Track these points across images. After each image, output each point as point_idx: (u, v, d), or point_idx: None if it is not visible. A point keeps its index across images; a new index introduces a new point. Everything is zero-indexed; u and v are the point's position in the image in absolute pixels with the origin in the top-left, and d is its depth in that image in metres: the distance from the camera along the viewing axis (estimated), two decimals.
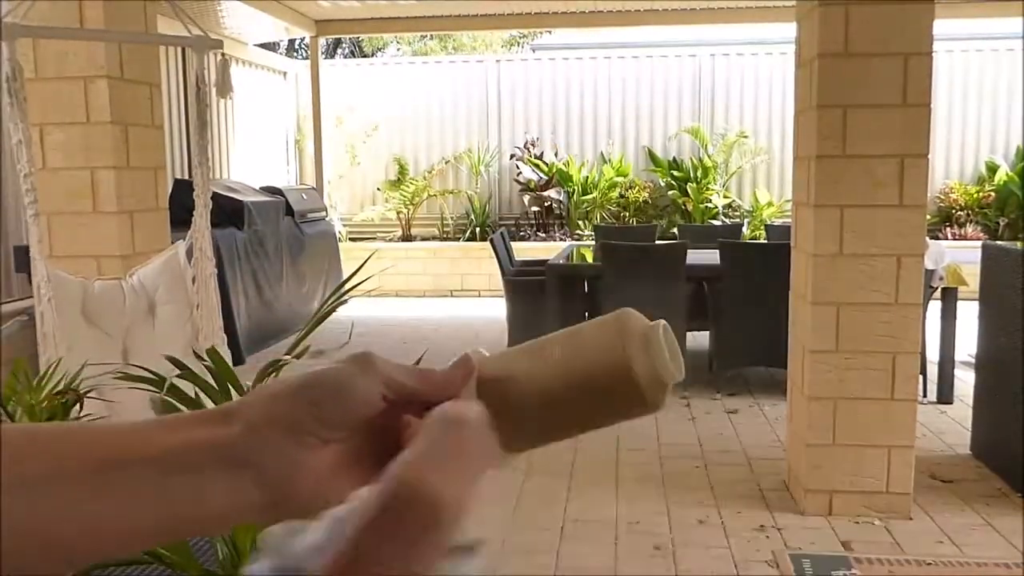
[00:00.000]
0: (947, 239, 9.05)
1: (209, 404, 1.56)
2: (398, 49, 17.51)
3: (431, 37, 16.71)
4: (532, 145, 10.33)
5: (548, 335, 0.51)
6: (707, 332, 5.52)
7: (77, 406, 1.97)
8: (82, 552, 0.46)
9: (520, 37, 16.46)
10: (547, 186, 10.03)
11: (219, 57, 2.88)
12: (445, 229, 10.49)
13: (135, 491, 0.45)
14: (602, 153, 10.37)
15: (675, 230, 8.85)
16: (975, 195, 9.58)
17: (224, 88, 2.86)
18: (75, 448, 0.46)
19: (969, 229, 9.42)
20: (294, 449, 0.47)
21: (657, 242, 6.83)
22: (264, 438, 0.46)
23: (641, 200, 10.02)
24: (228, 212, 6.51)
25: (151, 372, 1.60)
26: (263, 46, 9.95)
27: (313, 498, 0.47)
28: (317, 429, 0.47)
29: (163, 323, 2.92)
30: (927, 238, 3.56)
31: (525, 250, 8.49)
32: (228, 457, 0.46)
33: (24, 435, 0.47)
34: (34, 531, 0.44)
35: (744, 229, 9.02)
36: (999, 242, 6.51)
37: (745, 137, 10.03)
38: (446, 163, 10.59)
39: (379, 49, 17.38)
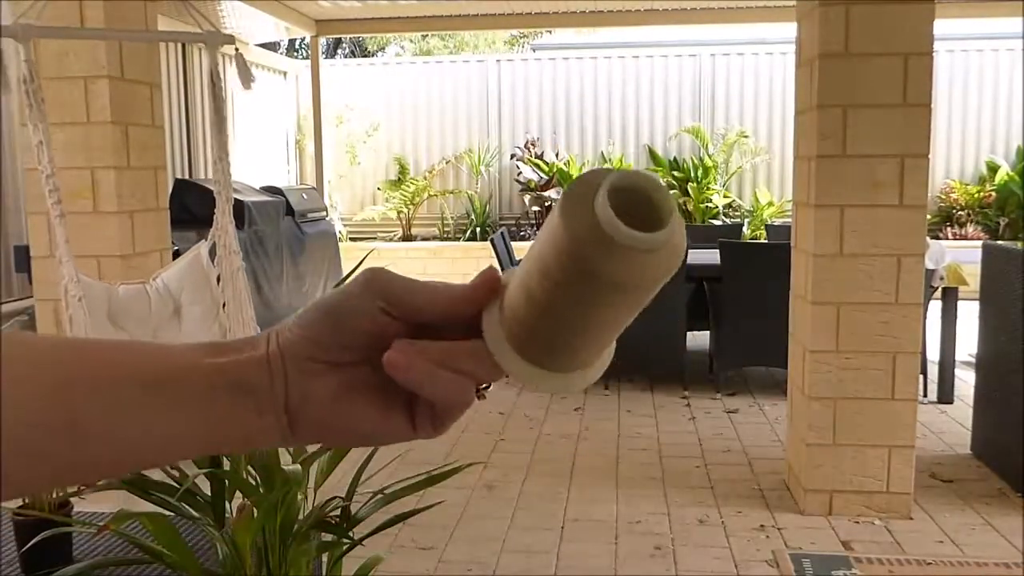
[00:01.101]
0: (947, 239, 9.05)
1: None
2: (401, 48, 17.51)
3: (433, 36, 16.70)
4: (532, 145, 10.33)
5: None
6: (707, 332, 5.52)
7: None
8: (125, 456, 0.46)
9: (520, 37, 16.46)
10: (547, 186, 10.03)
11: (234, 52, 2.88)
12: (445, 229, 10.49)
13: (180, 407, 0.45)
14: (603, 153, 10.37)
15: None
16: (976, 195, 9.58)
17: (246, 79, 2.84)
18: (124, 364, 0.46)
19: (970, 229, 9.42)
20: (297, 376, 0.46)
21: None
22: (268, 365, 0.46)
23: None
24: None
25: None
26: (264, 46, 9.95)
27: (321, 424, 0.47)
28: (315, 353, 0.46)
29: (190, 324, 2.92)
30: (927, 238, 3.56)
31: (525, 250, 8.45)
32: (235, 383, 0.46)
33: (73, 347, 0.47)
34: (94, 432, 0.44)
35: (744, 229, 9.01)
36: (1000, 242, 6.50)
37: (746, 137, 10.03)
38: (446, 163, 10.59)
39: (380, 49, 17.38)
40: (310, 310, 0.47)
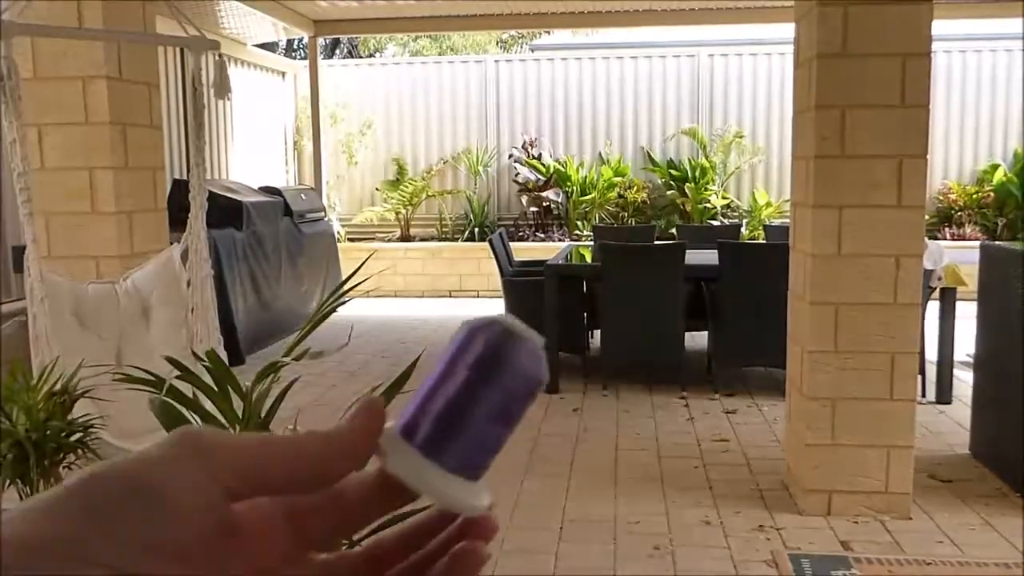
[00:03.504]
0: (946, 239, 9.05)
1: (208, 405, 1.55)
2: (393, 53, 17.51)
3: (428, 37, 16.69)
4: (531, 145, 10.33)
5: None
6: (706, 332, 5.52)
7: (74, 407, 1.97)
8: None
9: (519, 37, 16.46)
10: (546, 186, 10.03)
11: (216, 57, 2.87)
12: (444, 229, 10.49)
13: None
14: (600, 153, 10.36)
15: (673, 230, 8.85)
16: (974, 195, 9.58)
17: (222, 89, 2.85)
18: None
19: (968, 229, 9.42)
20: None
21: (656, 242, 6.82)
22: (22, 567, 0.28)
23: (639, 200, 10.01)
24: (227, 212, 6.51)
25: (149, 373, 1.60)
26: (262, 46, 9.94)
27: None
28: (109, 556, 0.29)
29: (158, 326, 2.92)
30: (926, 238, 3.56)
31: (524, 250, 8.48)
32: None
33: None
34: None
35: (743, 229, 9.01)
36: (998, 242, 6.51)
37: (741, 137, 10.03)
38: (445, 163, 10.59)
39: (377, 50, 17.37)
40: (95, 494, 0.30)
